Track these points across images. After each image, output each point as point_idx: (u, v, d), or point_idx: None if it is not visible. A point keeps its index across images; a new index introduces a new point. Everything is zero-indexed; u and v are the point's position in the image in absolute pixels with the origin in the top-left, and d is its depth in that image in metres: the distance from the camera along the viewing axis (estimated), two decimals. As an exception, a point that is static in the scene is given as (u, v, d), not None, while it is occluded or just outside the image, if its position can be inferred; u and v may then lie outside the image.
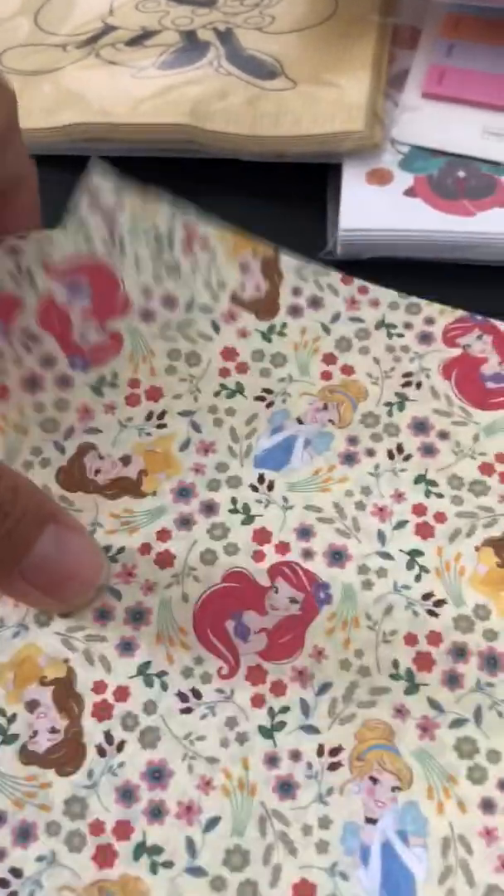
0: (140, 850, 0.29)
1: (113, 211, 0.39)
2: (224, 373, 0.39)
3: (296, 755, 0.31)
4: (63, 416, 0.37)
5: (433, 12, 0.50)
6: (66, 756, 0.31)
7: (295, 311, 0.40)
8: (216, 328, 0.40)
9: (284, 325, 0.40)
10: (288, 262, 0.41)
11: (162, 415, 0.38)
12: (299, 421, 0.38)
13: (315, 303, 0.40)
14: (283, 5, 0.51)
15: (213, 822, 0.30)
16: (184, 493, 0.36)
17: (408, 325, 0.40)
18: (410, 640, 0.33)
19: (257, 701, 0.32)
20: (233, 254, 0.40)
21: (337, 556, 0.35)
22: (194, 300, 0.40)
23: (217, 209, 0.45)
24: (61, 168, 0.46)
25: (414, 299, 0.41)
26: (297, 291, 0.41)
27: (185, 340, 0.39)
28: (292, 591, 0.34)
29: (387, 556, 0.35)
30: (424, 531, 0.35)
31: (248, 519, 0.35)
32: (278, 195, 0.45)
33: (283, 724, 0.31)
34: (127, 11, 0.52)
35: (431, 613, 0.33)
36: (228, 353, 0.39)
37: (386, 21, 0.49)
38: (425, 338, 0.40)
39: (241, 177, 0.45)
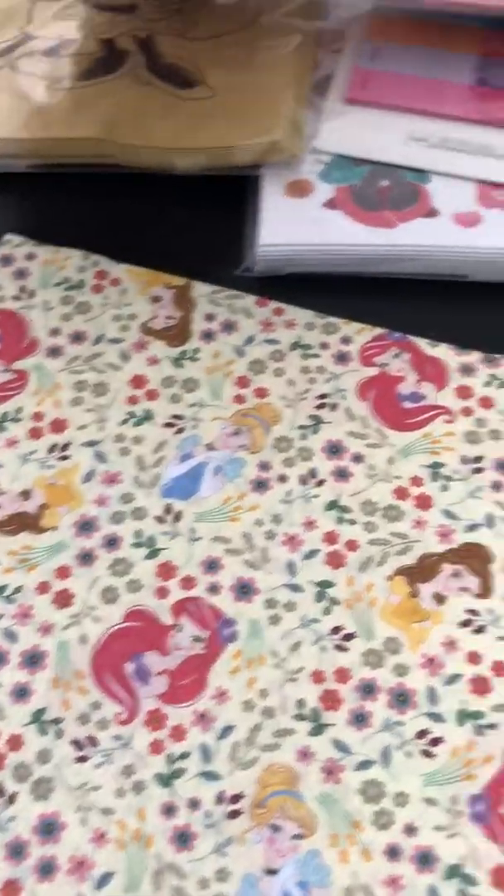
0: (28, 910, 0.28)
1: (24, 269, 0.40)
2: (132, 400, 0.37)
3: (194, 803, 0.30)
4: None
5: (358, 14, 0.49)
6: (-45, 810, 0.30)
7: (207, 336, 0.39)
8: (125, 358, 0.38)
9: (197, 350, 0.39)
10: (201, 289, 0.40)
11: (65, 446, 0.36)
12: (210, 447, 0.36)
13: (228, 327, 0.39)
14: (204, 11, 0.49)
15: (106, 878, 0.29)
16: (86, 527, 0.35)
17: (324, 346, 0.39)
18: (317, 677, 0.32)
19: (156, 747, 0.31)
20: (145, 289, 0.40)
21: (244, 590, 0.33)
22: (104, 334, 0.39)
23: (134, 224, 0.44)
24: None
25: (331, 319, 0.39)
26: (209, 317, 0.39)
27: (92, 372, 0.38)
28: (196, 629, 0.33)
29: (296, 588, 0.33)
30: (335, 560, 0.34)
31: (153, 553, 0.34)
32: (198, 208, 0.44)
33: (181, 771, 0.30)
34: (46, 20, 0.51)
35: (340, 648, 0.32)
36: (138, 381, 0.38)
37: (310, 25, 0.48)
38: (342, 358, 0.38)
39: (159, 190, 0.44)
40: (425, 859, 0.29)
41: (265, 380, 0.38)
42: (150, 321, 0.39)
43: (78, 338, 0.39)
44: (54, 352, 0.39)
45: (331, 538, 0.34)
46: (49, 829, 0.29)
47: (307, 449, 0.36)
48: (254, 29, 0.48)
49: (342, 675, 0.32)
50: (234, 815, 0.29)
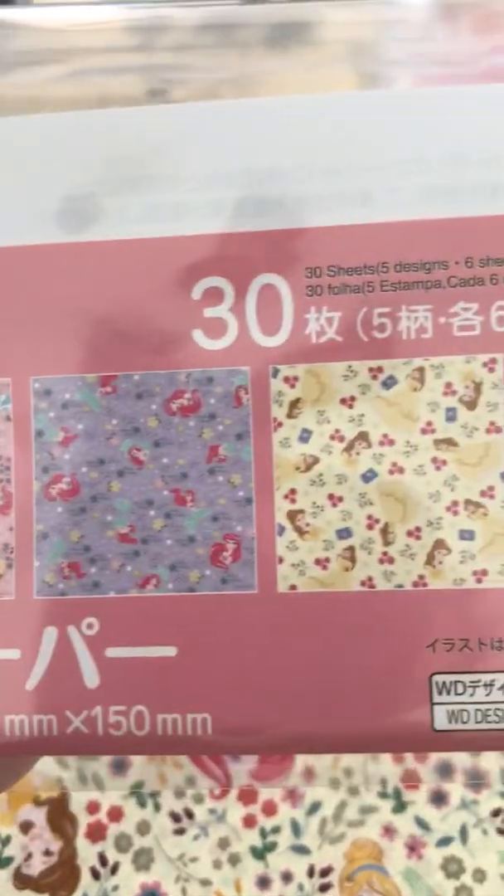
0: None
1: None
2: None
3: (287, 876, 0.32)
4: None
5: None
6: (60, 879, 0.32)
7: None
8: None
9: None
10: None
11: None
12: None
13: None
14: None
15: None
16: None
17: None
18: (398, 757, 0.33)
19: (249, 821, 0.33)
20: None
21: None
22: None
23: None
24: None
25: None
26: None
27: None
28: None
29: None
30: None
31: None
32: None
33: (274, 845, 0.32)
34: None
35: (421, 727, 0.34)
36: None
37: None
38: None
39: None
40: (498, 932, 0.31)
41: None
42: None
43: None
44: None
45: None
46: (151, 898, 0.31)
47: None
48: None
49: (421, 755, 0.33)
50: (325, 888, 0.32)
